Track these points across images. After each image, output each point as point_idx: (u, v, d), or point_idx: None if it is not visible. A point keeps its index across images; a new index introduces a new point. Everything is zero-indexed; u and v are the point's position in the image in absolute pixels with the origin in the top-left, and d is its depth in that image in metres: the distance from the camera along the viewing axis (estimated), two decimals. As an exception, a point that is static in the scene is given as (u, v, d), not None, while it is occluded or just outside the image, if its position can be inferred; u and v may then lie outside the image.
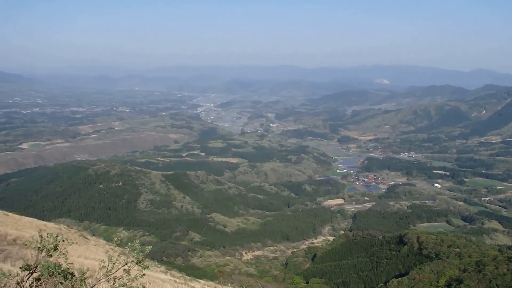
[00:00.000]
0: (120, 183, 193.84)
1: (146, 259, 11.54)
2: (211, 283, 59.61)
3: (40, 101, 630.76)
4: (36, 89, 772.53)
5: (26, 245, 14.41)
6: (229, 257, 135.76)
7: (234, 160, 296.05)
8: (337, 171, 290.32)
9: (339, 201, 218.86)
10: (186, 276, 52.57)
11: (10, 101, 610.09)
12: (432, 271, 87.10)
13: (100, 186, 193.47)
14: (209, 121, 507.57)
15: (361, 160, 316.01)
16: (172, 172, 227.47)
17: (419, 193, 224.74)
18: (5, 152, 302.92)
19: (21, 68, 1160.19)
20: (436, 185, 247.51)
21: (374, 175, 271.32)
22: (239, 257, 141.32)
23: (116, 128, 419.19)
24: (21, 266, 10.81)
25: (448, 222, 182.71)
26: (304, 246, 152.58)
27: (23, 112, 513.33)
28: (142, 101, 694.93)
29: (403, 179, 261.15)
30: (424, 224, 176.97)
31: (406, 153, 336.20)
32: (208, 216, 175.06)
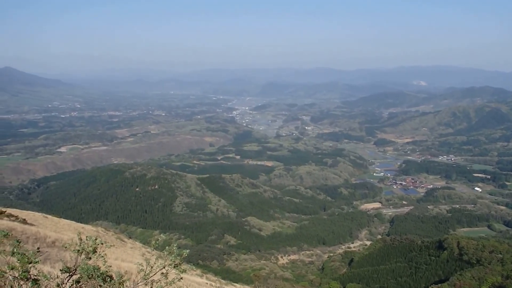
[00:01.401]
0: (156, 186, 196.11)
1: (183, 263, 11.45)
2: (246, 287, 59.52)
3: (79, 106, 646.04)
4: (74, 93, 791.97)
5: (66, 247, 14.54)
6: (264, 261, 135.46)
7: (269, 163, 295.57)
8: (374, 174, 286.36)
9: (376, 205, 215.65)
10: (222, 280, 52.55)
11: (49, 106, 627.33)
12: (474, 277, 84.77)
13: (137, 189, 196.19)
14: (244, 124, 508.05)
15: (399, 163, 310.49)
16: (208, 175, 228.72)
17: (459, 197, 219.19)
18: (45, 156, 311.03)
19: (60, 73, 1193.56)
20: (477, 188, 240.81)
21: (412, 179, 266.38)
22: (275, 261, 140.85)
23: (152, 132, 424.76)
24: (61, 269, 10.85)
25: (489, 227, 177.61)
26: (340, 251, 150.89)
27: (62, 116, 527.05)
28: (177, 105, 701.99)
29: (442, 183, 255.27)
30: (464, 229, 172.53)
31: (445, 156, 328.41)
32: (244, 219, 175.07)
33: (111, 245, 12.48)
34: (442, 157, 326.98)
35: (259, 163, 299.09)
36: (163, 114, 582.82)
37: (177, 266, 10.86)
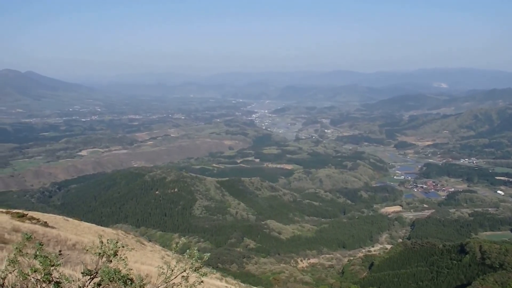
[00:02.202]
0: (176, 190, 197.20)
1: (204, 266, 11.46)
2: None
3: (99, 109, 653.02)
4: (95, 97, 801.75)
5: (87, 250, 14.67)
6: (284, 265, 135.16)
7: (288, 167, 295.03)
8: (394, 177, 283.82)
9: (397, 208, 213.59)
10: (241, 283, 52.55)
11: (70, 109, 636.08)
12: (496, 282, 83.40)
13: (156, 192, 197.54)
14: (264, 128, 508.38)
15: (419, 166, 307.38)
16: (227, 178, 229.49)
17: (481, 200, 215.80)
18: (66, 159, 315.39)
19: (81, 77, 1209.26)
20: (499, 192, 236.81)
21: (433, 182, 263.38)
22: (294, 265, 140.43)
23: (172, 135, 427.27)
24: (82, 271, 10.93)
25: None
26: (360, 254, 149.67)
27: (83, 120, 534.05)
28: (197, 108, 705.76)
29: (463, 186, 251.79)
30: (487, 233, 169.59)
31: (467, 159, 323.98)
32: (263, 222, 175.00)
33: (131, 248, 12.56)
34: (463, 160, 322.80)
35: (278, 166, 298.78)
36: (183, 117, 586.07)
37: (197, 270, 10.88)
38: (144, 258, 37.77)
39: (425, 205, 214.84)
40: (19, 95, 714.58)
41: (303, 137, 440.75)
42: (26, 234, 12.79)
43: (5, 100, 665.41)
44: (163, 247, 66.74)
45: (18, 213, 35.94)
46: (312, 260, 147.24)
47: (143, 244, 50.51)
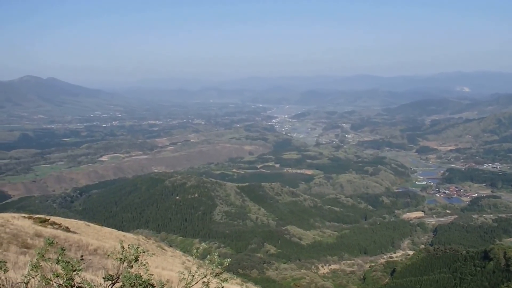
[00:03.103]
0: (196, 195, 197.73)
1: (224, 272, 11.37)
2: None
3: (120, 115, 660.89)
4: (115, 103, 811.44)
5: (108, 255, 14.73)
6: (305, 271, 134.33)
7: (309, 172, 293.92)
8: (416, 182, 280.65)
9: (419, 214, 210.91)
10: (262, 289, 52.31)
11: (91, 115, 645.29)
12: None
13: (177, 197, 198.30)
14: (284, 133, 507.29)
15: (442, 171, 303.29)
16: (247, 184, 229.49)
17: (505, 206, 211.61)
18: (87, 165, 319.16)
19: (102, 83, 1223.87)
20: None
21: (456, 187, 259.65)
22: (315, 271, 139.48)
23: (192, 140, 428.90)
24: (104, 276, 10.93)
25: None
26: (382, 261, 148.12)
27: (103, 125, 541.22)
28: (217, 113, 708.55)
29: (487, 191, 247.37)
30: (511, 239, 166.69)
31: (490, 164, 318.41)
32: (284, 228, 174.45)
33: (152, 254, 12.55)
34: (487, 165, 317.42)
35: (298, 171, 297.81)
36: (203, 122, 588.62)
37: (218, 275, 10.83)
38: (165, 263, 37.82)
39: (447, 211, 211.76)
40: (41, 101, 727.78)
41: (323, 142, 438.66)
42: (48, 239, 12.86)
43: (27, 106, 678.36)
44: (184, 252, 66.86)
45: (40, 218, 36.34)
46: (333, 266, 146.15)
47: (163, 249, 50.65)
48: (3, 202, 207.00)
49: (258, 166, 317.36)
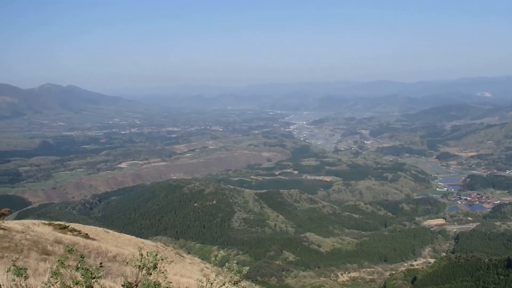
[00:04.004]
0: (214, 202, 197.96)
1: (243, 279, 11.10)
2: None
3: (138, 122, 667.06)
4: (134, 110, 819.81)
5: (127, 262, 14.54)
6: (324, 278, 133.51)
7: (327, 178, 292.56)
8: (437, 189, 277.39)
9: (440, 221, 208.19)
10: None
11: (110, 122, 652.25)
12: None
13: (195, 204, 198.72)
14: (302, 139, 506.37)
15: (463, 177, 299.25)
16: (265, 190, 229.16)
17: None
18: (106, 171, 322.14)
19: (121, 91, 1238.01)
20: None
21: (478, 194, 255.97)
22: (335, 278, 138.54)
23: (210, 147, 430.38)
24: (122, 284, 10.77)
25: None
26: (403, 268, 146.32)
27: (122, 132, 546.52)
28: (235, 120, 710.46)
29: (509, 198, 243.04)
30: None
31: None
32: (302, 235, 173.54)
33: (171, 261, 12.33)
34: (509, 171, 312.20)
35: (317, 178, 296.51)
36: (221, 129, 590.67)
37: (237, 283, 10.71)
38: (184, 270, 37.64)
39: (469, 218, 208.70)
40: (60, 108, 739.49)
41: (342, 149, 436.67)
42: (67, 246, 12.77)
43: (47, 114, 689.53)
44: (202, 259, 66.73)
45: (60, 225, 36.43)
46: (353, 274, 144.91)
47: (182, 256, 50.50)
48: (24, 209, 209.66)
49: (276, 173, 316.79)
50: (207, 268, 45.91)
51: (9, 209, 38.28)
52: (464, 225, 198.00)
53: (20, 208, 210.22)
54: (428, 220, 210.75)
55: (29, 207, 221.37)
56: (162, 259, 11.96)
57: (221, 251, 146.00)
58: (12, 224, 31.49)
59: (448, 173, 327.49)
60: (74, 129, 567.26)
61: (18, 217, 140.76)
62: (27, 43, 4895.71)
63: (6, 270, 11.45)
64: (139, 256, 12.10)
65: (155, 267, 11.62)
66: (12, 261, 14.06)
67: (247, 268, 10.97)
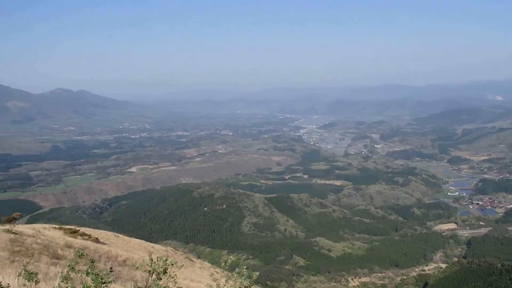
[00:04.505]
0: (224, 206, 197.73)
1: (253, 284, 10.94)
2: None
3: (148, 126, 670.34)
4: (144, 114, 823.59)
5: (137, 267, 14.44)
6: (334, 283, 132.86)
7: (338, 183, 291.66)
8: (448, 193, 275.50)
9: (452, 225, 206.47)
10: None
11: (120, 127, 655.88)
12: None
13: (205, 208, 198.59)
14: (312, 143, 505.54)
15: (475, 182, 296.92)
16: (275, 195, 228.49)
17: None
18: (116, 176, 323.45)
19: (131, 96, 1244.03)
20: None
21: (490, 198, 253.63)
22: (345, 284, 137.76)
23: (219, 151, 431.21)
24: (132, 288, 10.66)
25: None
26: (414, 273, 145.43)
27: (132, 137, 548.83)
28: (244, 124, 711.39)
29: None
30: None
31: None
32: (312, 240, 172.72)
33: (181, 266, 12.24)
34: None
35: (327, 182, 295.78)
36: (230, 133, 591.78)
37: (246, 288, 10.63)
38: (193, 275, 37.53)
39: (481, 223, 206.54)
40: (71, 113, 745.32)
41: (352, 153, 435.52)
42: (78, 251, 12.66)
43: (58, 118, 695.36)
44: (212, 264, 66.60)
45: (70, 229, 36.47)
46: (364, 279, 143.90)
47: (192, 261, 50.34)
48: (35, 213, 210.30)
49: (286, 177, 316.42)
50: (217, 272, 45.79)
51: (20, 213, 38.40)
52: (476, 230, 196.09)
53: (31, 212, 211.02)
54: (440, 225, 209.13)
55: (40, 211, 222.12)
56: (172, 264, 11.89)
57: (230, 256, 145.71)
58: (23, 228, 31.54)
59: (459, 177, 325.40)
60: (84, 134, 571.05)
61: (29, 221, 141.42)
62: (39, 48, 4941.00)
63: (17, 274, 11.42)
64: (149, 261, 12.04)
65: (165, 272, 11.59)
66: (23, 265, 14.02)
67: (257, 273, 10.85)
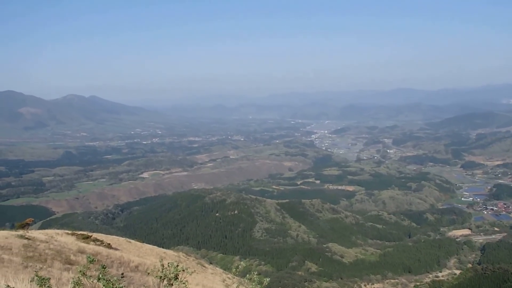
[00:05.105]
0: (236, 212, 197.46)
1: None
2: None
3: (160, 132, 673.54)
4: (156, 120, 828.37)
5: (149, 273, 14.42)
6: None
7: (350, 188, 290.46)
8: (462, 199, 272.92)
9: (466, 231, 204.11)
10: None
11: (132, 133, 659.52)
12: None
13: (217, 214, 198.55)
14: (324, 148, 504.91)
15: (489, 187, 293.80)
16: (287, 200, 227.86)
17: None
18: (128, 181, 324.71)
19: (142, 101, 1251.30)
20: None
21: (504, 204, 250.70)
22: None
23: (231, 157, 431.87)
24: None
25: None
26: (427, 280, 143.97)
27: (144, 142, 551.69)
28: (256, 130, 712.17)
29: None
30: None
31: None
32: (325, 245, 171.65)
33: (192, 272, 12.22)
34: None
35: (339, 187, 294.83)
36: (242, 139, 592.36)
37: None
38: (205, 281, 37.50)
39: (496, 228, 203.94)
40: (83, 119, 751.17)
41: (364, 158, 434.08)
42: (89, 257, 12.68)
43: (70, 124, 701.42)
44: (224, 269, 66.45)
45: (83, 234, 36.62)
46: (377, 285, 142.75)
47: (204, 266, 50.34)
48: (48, 219, 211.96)
49: (298, 182, 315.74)
50: (229, 278, 45.71)
51: (33, 219, 38.65)
52: (490, 236, 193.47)
53: (44, 218, 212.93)
54: (453, 231, 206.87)
55: (53, 217, 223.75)
56: (183, 270, 11.87)
57: (242, 262, 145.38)
58: (36, 233, 31.73)
59: (473, 182, 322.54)
60: (96, 140, 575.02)
61: (42, 227, 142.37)
62: (52, 54, 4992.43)
63: (30, 279, 11.45)
64: (160, 266, 12.02)
65: (176, 277, 11.58)
66: (35, 271, 14.07)
67: (268, 279, 10.79)
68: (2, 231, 29.18)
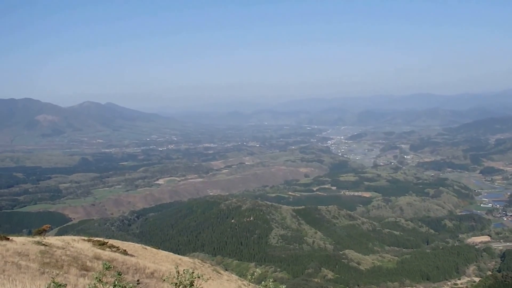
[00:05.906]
0: (252, 218, 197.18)
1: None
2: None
3: (175, 138, 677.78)
4: (171, 127, 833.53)
5: (164, 279, 14.33)
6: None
7: (366, 194, 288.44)
8: (481, 205, 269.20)
9: (485, 238, 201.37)
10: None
11: (148, 139, 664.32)
12: None
13: (232, 220, 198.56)
14: (340, 154, 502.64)
15: (509, 193, 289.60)
16: (303, 206, 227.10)
17: None
18: (144, 188, 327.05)
19: (159, 108, 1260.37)
20: None
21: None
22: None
23: (246, 163, 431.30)
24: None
25: None
26: (446, 287, 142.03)
27: (160, 149, 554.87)
28: (271, 136, 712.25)
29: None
30: None
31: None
32: (341, 252, 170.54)
33: (208, 278, 12.10)
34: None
35: (356, 194, 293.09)
36: (257, 145, 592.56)
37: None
38: (221, 287, 37.35)
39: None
40: (100, 126, 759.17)
41: (381, 164, 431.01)
42: (105, 263, 12.62)
43: (87, 131, 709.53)
44: (240, 276, 66.28)
45: (99, 241, 36.78)
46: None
47: (219, 273, 50.19)
48: (64, 225, 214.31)
49: (314, 189, 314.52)
50: (245, 285, 45.54)
51: (50, 225, 38.93)
52: (510, 243, 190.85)
53: (61, 224, 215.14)
54: (472, 237, 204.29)
55: (69, 223, 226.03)
56: (199, 276, 11.75)
57: (257, 269, 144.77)
58: (53, 240, 31.92)
59: (492, 188, 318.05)
60: (112, 146, 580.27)
61: (59, 233, 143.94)
62: (68, 61, 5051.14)
63: (47, 286, 11.42)
64: (175, 273, 11.91)
65: (191, 284, 11.49)
66: (52, 277, 14.06)
67: (284, 286, 10.62)
68: (19, 238, 29.43)
